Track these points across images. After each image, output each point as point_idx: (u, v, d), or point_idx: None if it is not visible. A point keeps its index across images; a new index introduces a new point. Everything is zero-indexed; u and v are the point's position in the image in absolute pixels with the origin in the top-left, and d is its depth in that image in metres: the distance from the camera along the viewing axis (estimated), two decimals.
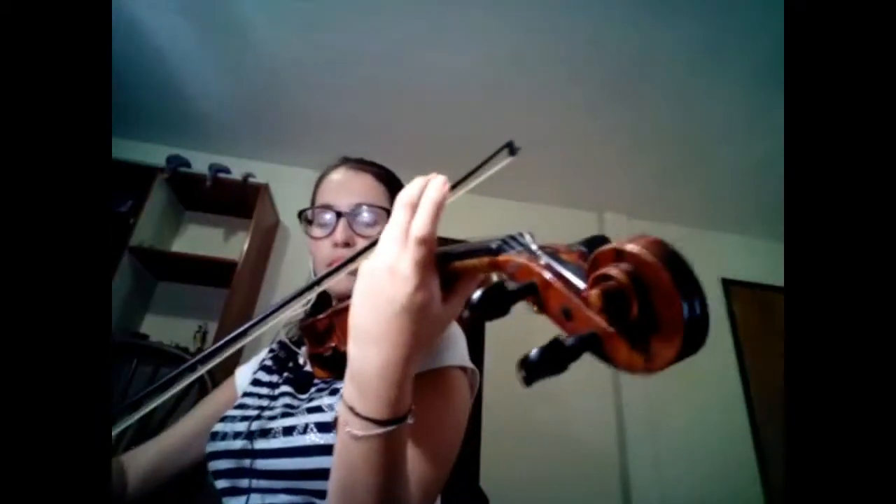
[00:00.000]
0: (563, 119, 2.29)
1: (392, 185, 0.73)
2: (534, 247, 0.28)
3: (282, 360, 0.73)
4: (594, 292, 0.20)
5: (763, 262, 3.00)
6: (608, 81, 2.04)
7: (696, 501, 2.33)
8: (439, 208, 0.35)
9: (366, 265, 0.36)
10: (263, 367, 0.74)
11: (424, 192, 0.36)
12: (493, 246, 0.30)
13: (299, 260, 2.64)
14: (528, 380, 0.20)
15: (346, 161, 0.74)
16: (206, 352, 0.48)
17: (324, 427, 0.53)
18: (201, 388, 0.97)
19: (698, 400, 2.54)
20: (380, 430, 0.35)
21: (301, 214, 0.70)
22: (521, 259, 0.27)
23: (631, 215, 3.02)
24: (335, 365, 0.62)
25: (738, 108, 2.11)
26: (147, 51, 2.06)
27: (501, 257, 0.29)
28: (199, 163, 2.42)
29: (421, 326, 0.35)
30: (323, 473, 0.49)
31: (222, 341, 0.47)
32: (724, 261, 3.01)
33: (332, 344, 0.56)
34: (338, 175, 0.71)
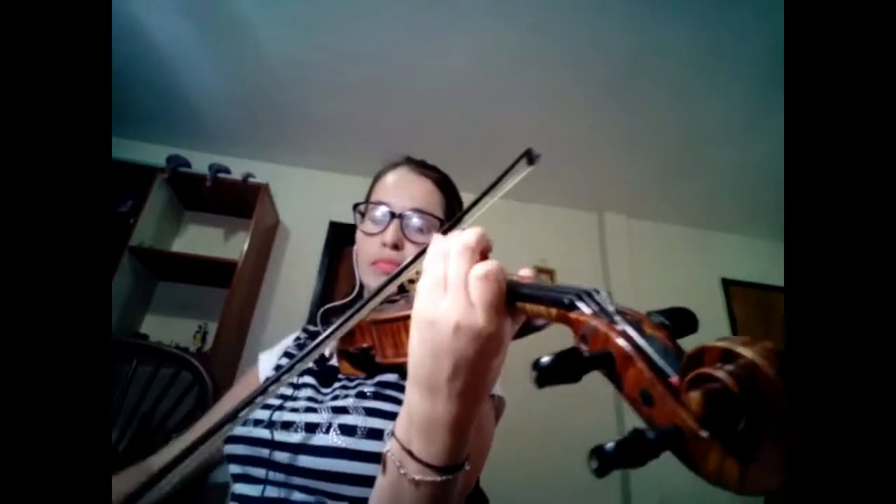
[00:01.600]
0: (563, 119, 2.30)
1: (449, 193, 0.73)
2: (611, 309, 0.25)
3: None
4: (695, 395, 0.18)
5: (763, 262, 3.00)
6: (608, 81, 2.04)
7: (696, 501, 2.34)
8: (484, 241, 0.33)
9: (426, 316, 0.33)
10: (287, 355, 0.73)
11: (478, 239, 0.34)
12: (566, 300, 0.27)
13: (299, 260, 2.64)
14: (602, 472, 0.18)
15: (409, 161, 0.74)
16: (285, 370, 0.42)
17: (347, 430, 0.52)
18: (201, 388, 0.97)
19: None
20: (439, 478, 0.34)
21: (356, 207, 0.70)
22: (599, 324, 0.24)
23: (631, 215, 3.02)
24: (364, 364, 0.61)
25: (738, 108, 2.11)
26: (147, 51, 2.06)
27: (573, 315, 0.27)
28: (199, 163, 2.42)
29: (490, 375, 0.34)
30: (341, 477, 0.49)
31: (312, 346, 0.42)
32: (724, 261, 3.01)
33: (365, 345, 0.55)
34: (399, 175, 0.71)
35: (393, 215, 0.65)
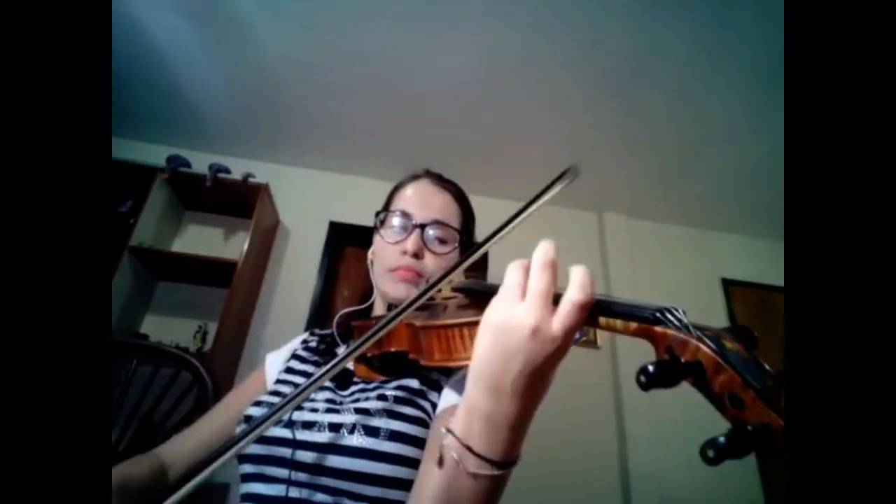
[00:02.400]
0: (563, 119, 2.29)
1: (465, 206, 0.76)
2: (690, 324, 0.29)
3: (320, 352, 0.73)
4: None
5: (763, 262, 3.00)
6: (608, 81, 2.04)
7: (696, 501, 2.34)
8: (592, 276, 0.36)
9: (503, 318, 0.35)
10: (296, 357, 0.73)
11: (574, 268, 0.36)
12: (650, 315, 0.31)
13: (299, 260, 2.64)
14: (717, 461, 0.22)
15: (429, 174, 0.77)
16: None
17: (371, 431, 0.53)
18: (201, 388, 0.97)
19: (699, 399, 2.54)
20: (495, 472, 0.37)
21: (377, 215, 0.73)
22: (689, 338, 0.28)
23: (631, 215, 3.02)
24: (380, 369, 0.62)
25: (738, 108, 2.11)
26: (147, 51, 2.06)
27: (659, 328, 0.30)
28: (199, 163, 2.42)
29: (552, 378, 0.37)
30: (364, 477, 0.50)
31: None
32: (724, 261, 3.01)
33: (393, 350, 0.55)
34: (420, 187, 0.74)
35: (415, 226, 0.68)
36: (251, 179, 2.44)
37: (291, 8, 1.81)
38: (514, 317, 0.35)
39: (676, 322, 0.29)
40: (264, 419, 0.39)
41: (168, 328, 2.34)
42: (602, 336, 2.64)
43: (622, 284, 2.79)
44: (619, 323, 0.33)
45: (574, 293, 0.34)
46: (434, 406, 0.60)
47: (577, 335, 0.39)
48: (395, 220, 0.70)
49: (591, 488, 2.31)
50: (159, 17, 1.89)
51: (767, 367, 0.25)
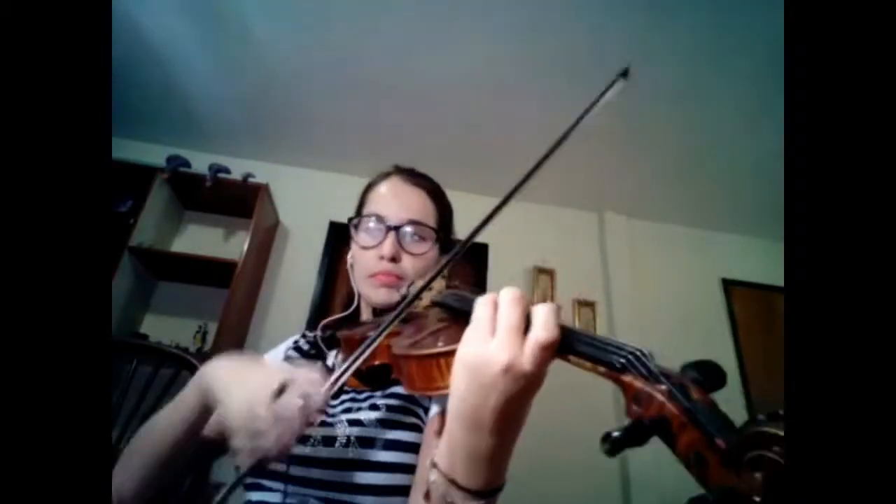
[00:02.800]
0: (562, 119, 2.28)
1: (440, 201, 0.73)
2: (657, 372, 0.28)
3: (310, 357, 0.72)
4: (758, 477, 0.21)
5: (763, 262, 2.99)
6: (608, 81, 2.04)
7: None
8: (559, 313, 0.36)
9: (476, 355, 0.35)
10: (288, 359, 0.73)
11: (537, 306, 0.36)
12: (617, 364, 0.30)
13: (299, 260, 2.64)
14: None
15: (399, 171, 0.74)
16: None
17: (365, 442, 0.53)
18: None
19: None
20: (482, 502, 0.37)
21: (350, 220, 0.71)
22: (650, 389, 0.28)
23: (631, 215, 3.02)
24: (368, 379, 0.62)
25: (737, 108, 2.11)
26: (147, 51, 2.06)
27: (626, 378, 0.30)
28: (199, 163, 2.42)
29: (528, 410, 0.37)
30: (360, 488, 0.51)
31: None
32: (724, 261, 3.01)
33: (377, 363, 0.55)
34: (390, 186, 0.71)
35: (389, 228, 0.65)
36: (251, 179, 2.44)
37: (291, 8, 1.81)
38: (486, 353, 0.34)
39: (643, 370, 0.29)
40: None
41: (168, 328, 2.34)
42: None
43: (622, 284, 2.78)
44: (589, 365, 0.33)
45: (538, 332, 0.34)
46: (426, 410, 0.60)
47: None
48: (369, 224, 0.67)
49: (591, 488, 2.31)
50: (159, 17, 1.89)
51: (731, 420, 0.25)
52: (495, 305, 0.37)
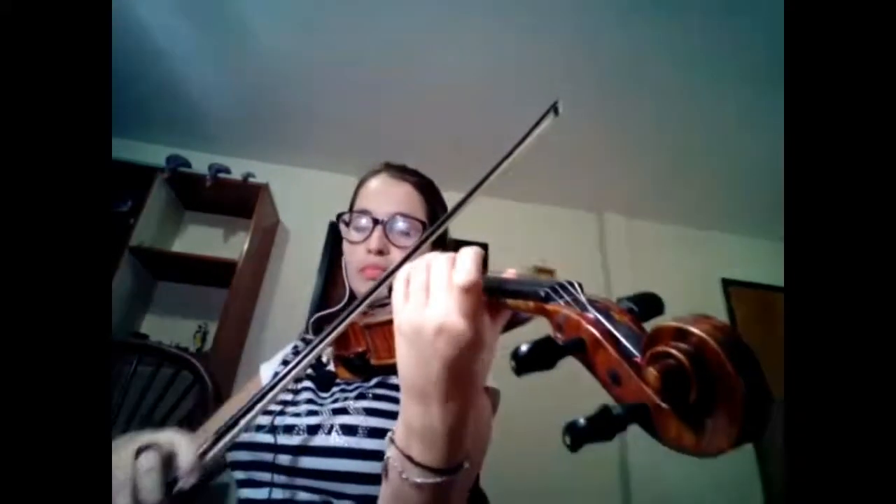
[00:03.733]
0: (562, 119, 2.29)
1: (430, 196, 0.74)
2: (583, 299, 0.27)
3: None
4: (652, 371, 0.20)
5: (763, 262, 3.00)
6: (608, 81, 2.04)
7: (695, 501, 2.34)
8: (480, 256, 0.34)
9: (409, 323, 0.34)
10: (285, 362, 0.74)
11: (461, 250, 0.35)
12: (542, 293, 0.29)
13: (299, 260, 2.64)
14: (574, 446, 0.21)
15: (388, 167, 0.75)
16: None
17: (349, 430, 0.53)
18: (202, 388, 0.97)
19: None
20: (440, 479, 0.36)
21: (339, 217, 0.72)
22: (571, 312, 0.26)
23: (631, 215, 3.02)
24: (360, 369, 0.62)
25: (737, 107, 2.11)
26: (147, 51, 2.06)
27: (550, 306, 0.29)
28: (199, 163, 2.42)
29: (479, 374, 0.35)
30: (344, 476, 0.50)
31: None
32: (724, 261, 3.01)
33: (360, 350, 0.56)
34: (378, 181, 0.72)
35: (376, 222, 0.67)
36: (251, 179, 2.44)
37: (291, 8, 1.81)
38: (418, 317, 0.33)
39: (568, 298, 0.28)
40: (246, 409, 0.41)
41: (168, 328, 2.33)
42: None
43: (622, 285, 2.78)
44: (520, 303, 0.32)
45: (455, 276, 0.33)
46: None
47: (523, 315, 0.37)
48: (357, 220, 0.69)
49: (591, 488, 2.31)
50: (159, 17, 1.89)
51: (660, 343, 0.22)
52: (429, 269, 0.35)
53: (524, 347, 0.23)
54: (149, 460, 0.35)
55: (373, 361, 0.53)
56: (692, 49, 1.85)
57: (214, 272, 2.30)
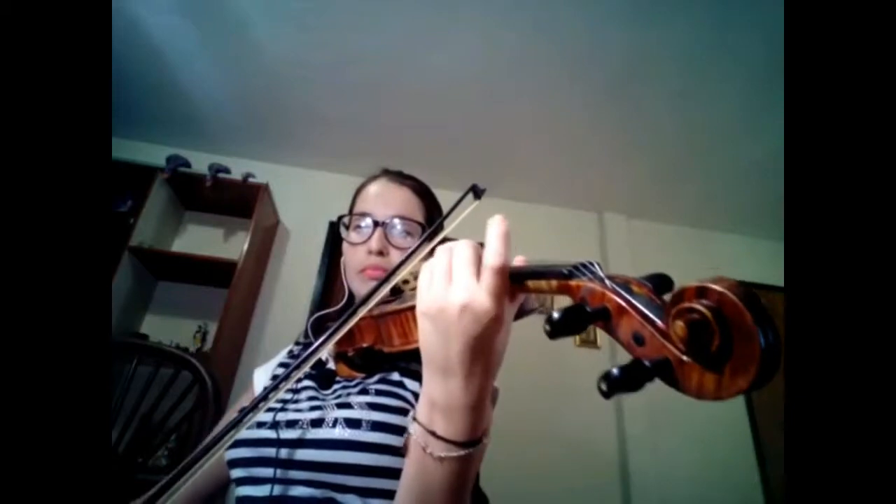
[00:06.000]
0: (562, 119, 2.29)
1: (428, 200, 0.76)
2: (602, 274, 0.30)
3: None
4: (680, 324, 0.22)
5: (763, 262, 3.00)
6: (608, 81, 2.04)
7: (696, 501, 2.34)
8: (508, 237, 0.37)
9: (435, 303, 0.36)
10: (282, 365, 0.75)
11: (488, 227, 0.37)
12: (565, 271, 0.32)
13: (299, 260, 2.64)
14: (609, 393, 0.23)
15: (387, 173, 0.77)
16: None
17: (352, 423, 0.54)
18: (201, 389, 0.97)
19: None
20: (462, 452, 0.37)
21: (340, 219, 0.74)
22: (595, 286, 0.29)
23: (631, 215, 3.02)
24: (361, 367, 0.63)
25: (737, 108, 2.11)
26: (147, 51, 2.06)
27: (574, 282, 0.31)
28: (199, 163, 2.42)
29: (499, 351, 0.37)
30: (347, 468, 0.51)
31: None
32: (724, 261, 3.01)
33: (365, 345, 0.57)
34: (378, 186, 0.74)
35: (376, 223, 0.68)
36: (251, 179, 2.44)
37: (291, 8, 1.81)
38: (446, 298, 0.35)
39: (589, 274, 0.31)
40: (250, 410, 0.41)
41: (168, 328, 2.34)
42: (602, 336, 2.64)
43: None
44: (543, 283, 0.34)
45: (488, 258, 0.35)
46: (416, 395, 0.60)
47: (533, 305, 0.42)
48: (358, 222, 0.71)
49: (591, 488, 2.31)
50: (159, 16, 1.89)
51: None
52: (451, 253, 0.38)
53: (556, 314, 0.26)
54: None
55: (385, 350, 0.54)
56: (692, 49, 1.85)
57: (214, 272, 2.30)
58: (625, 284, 0.28)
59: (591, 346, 2.61)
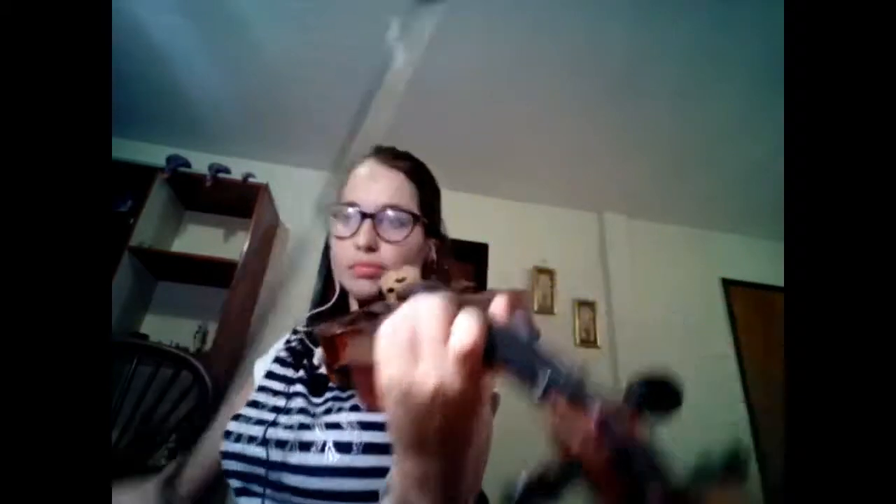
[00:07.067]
0: (562, 119, 2.29)
1: (423, 184, 0.70)
2: (586, 391, 0.23)
3: (298, 354, 0.71)
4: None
5: (763, 262, 3.00)
6: (608, 81, 2.04)
7: None
8: (482, 322, 0.28)
9: (402, 382, 0.28)
10: (278, 360, 0.72)
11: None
12: (538, 390, 0.24)
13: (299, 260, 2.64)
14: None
15: (378, 152, 0.70)
16: None
17: (343, 447, 0.52)
18: (201, 388, 0.97)
19: (698, 400, 2.55)
20: None
21: (327, 208, 0.67)
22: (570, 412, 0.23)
23: (631, 215, 3.02)
24: (348, 383, 0.61)
25: (737, 108, 2.11)
26: (147, 50, 2.06)
27: (551, 398, 0.24)
28: (199, 163, 2.42)
29: (474, 426, 0.32)
30: (337, 495, 0.50)
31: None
32: (724, 261, 3.01)
33: (344, 363, 0.54)
34: (367, 169, 0.68)
35: (364, 215, 0.62)
36: (251, 179, 2.44)
37: (291, 8, 1.81)
38: (409, 377, 0.28)
39: (561, 379, 0.24)
40: None
41: (168, 328, 2.33)
42: (602, 336, 2.64)
43: (622, 284, 2.78)
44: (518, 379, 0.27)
45: (452, 340, 0.27)
46: None
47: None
48: (345, 212, 0.64)
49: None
50: (159, 16, 1.89)
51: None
52: (415, 319, 0.29)
53: (520, 489, 0.22)
54: None
55: (360, 405, 0.50)
56: (692, 49, 1.85)
57: (214, 272, 2.30)
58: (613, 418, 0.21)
59: (590, 346, 2.61)
